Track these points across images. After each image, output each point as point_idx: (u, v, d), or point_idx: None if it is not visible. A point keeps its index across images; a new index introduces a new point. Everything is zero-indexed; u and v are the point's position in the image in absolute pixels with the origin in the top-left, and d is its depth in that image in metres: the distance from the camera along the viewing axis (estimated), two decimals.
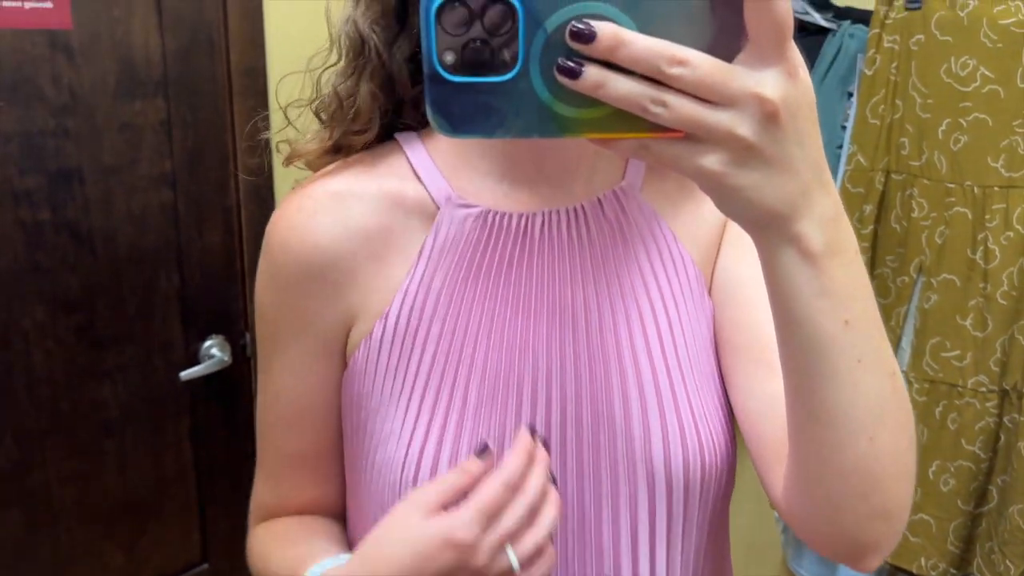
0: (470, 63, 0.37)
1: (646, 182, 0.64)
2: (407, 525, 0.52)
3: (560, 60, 0.36)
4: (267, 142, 1.75)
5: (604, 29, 0.35)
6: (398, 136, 0.63)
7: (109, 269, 1.49)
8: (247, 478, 1.64)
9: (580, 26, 0.36)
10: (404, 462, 0.58)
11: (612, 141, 0.39)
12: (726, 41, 0.37)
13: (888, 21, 1.29)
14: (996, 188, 1.24)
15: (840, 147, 1.43)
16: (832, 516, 0.50)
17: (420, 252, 0.60)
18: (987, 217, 1.26)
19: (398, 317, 0.60)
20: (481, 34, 0.36)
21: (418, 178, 0.61)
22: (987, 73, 1.22)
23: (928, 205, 1.31)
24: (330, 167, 0.63)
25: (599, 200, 0.62)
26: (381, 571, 0.52)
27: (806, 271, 0.41)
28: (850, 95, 1.41)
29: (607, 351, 0.60)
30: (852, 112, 1.40)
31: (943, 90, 1.27)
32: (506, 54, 0.36)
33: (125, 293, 1.52)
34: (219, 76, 1.56)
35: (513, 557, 0.52)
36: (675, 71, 0.36)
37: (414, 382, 0.59)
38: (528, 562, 0.53)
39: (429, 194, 0.61)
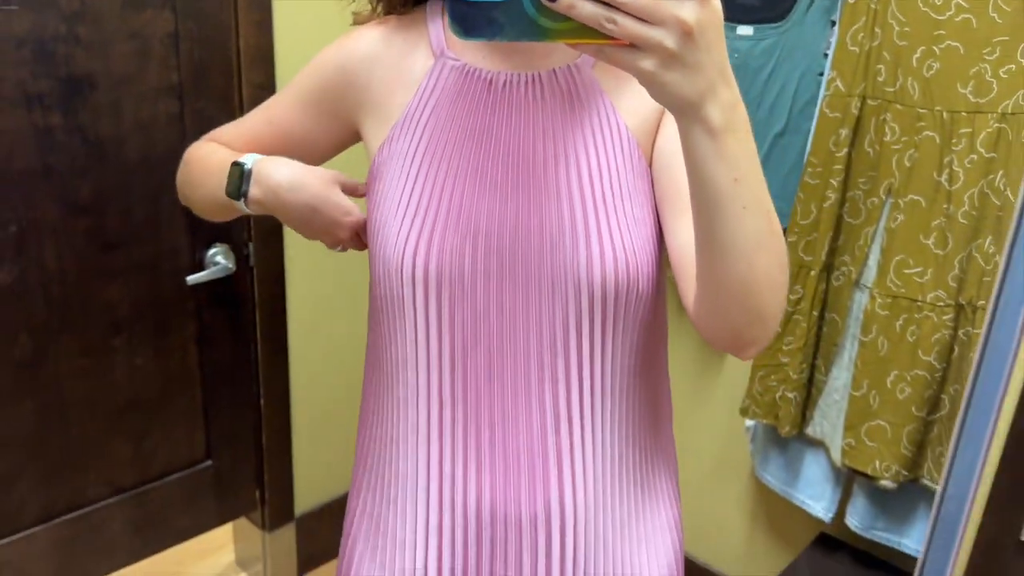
0: None
1: (597, 62, 0.79)
2: (313, 182, 0.83)
3: None
4: (272, 54, 1.80)
5: None
6: (428, 6, 0.85)
7: (118, 175, 1.55)
8: (249, 383, 1.71)
9: None
10: (398, 232, 0.78)
11: (579, 45, 0.54)
12: None
13: None
14: (963, 113, 1.32)
15: (821, 74, 1.49)
16: (723, 319, 0.67)
17: (421, 87, 0.81)
18: (954, 141, 1.33)
19: (402, 129, 0.81)
20: None
21: (429, 37, 0.83)
22: (961, 2, 1.28)
23: (900, 129, 1.39)
24: (376, 22, 0.86)
25: (555, 71, 0.78)
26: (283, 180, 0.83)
27: (708, 142, 0.56)
28: (833, 23, 1.47)
29: (550, 188, 0.75)
30: (833, 40, 1.46)
31: (920, 18, 1.33)
32: None
33: (134, 199, 1.58)
34: None
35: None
36: None
37: (410, 172, 0.79)
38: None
39: (432, 49, 0.82)
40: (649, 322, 0.79)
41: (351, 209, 0.84)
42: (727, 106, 0.55)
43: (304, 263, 1.86)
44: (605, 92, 0.78)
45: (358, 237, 0.86)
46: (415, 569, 0.81)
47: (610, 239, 0.74)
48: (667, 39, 0.51)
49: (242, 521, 2.04)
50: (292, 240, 1.82)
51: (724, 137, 0.56)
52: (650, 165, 0.79)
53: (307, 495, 2.03)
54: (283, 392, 1.89)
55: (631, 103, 0.78)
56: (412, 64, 0.82)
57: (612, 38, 0.52)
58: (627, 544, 0.83)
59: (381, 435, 0.85)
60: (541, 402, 0.77)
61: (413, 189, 0.77)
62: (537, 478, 0.77)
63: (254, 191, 0.83)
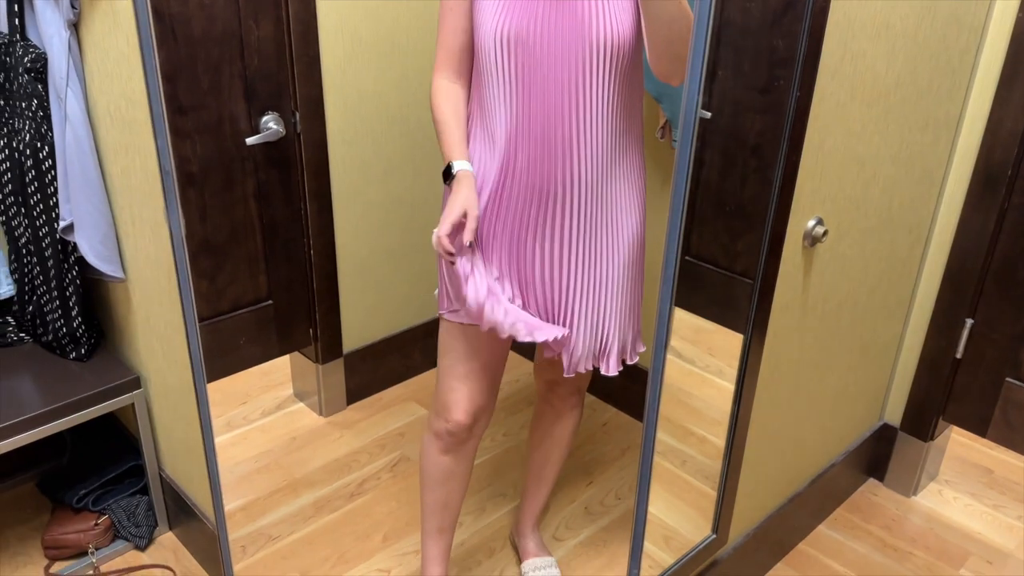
0: None
1: None
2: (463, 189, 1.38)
3: None
4: None
5: None
6: None
7: (187, 49, 1.84)
8: (301, 235, 2.00)
9: None
10: (490, 16, 1.33)
11: None
12: None
13: None
14: None
15: None
16: (662, 61, 1.28)
17: None
18: None
19: None
20: None
21: None
22: None
23: None
24: None
25: None
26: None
27: None
28: None
29: None
30: None
31: None
32: None
33: (200, 71, 1.88)
34: None
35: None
36: None
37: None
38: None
39: None
40: (630, 71, 1.34)
41: (446, 221, 1.35)
42: None
43: (344, 133, 2.16)
44: None
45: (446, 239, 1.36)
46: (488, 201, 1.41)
47: (607, 21, 1.28)
48: None
49: (299, 360, 2.40)
50: (333, 113, 2.11)
51: None
52: None
53: (353, 336, 2.38)
54: (329, 245, 2.21)
55: None
56: None
57: None
58: (614, 204, 1.42)
59: (481, 136, 1.42)
60: (566, 113, 1.32)
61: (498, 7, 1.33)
62: (562, 160, 1.34)
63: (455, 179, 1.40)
